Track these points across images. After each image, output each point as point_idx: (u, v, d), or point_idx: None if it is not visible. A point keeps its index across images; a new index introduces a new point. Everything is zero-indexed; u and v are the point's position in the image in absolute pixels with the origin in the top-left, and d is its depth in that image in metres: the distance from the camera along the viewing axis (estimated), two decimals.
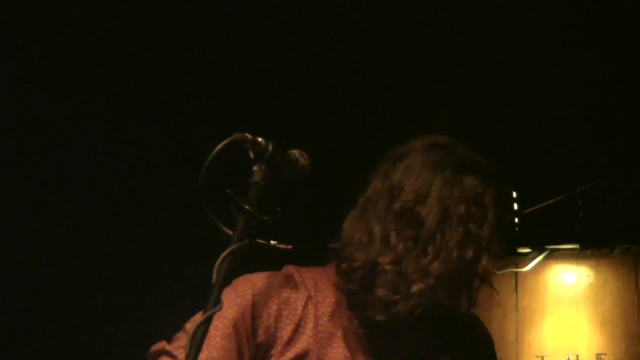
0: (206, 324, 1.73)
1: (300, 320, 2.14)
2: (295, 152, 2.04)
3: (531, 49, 3.92)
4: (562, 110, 4.40)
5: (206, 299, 1.78)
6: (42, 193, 4.12)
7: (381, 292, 2.04)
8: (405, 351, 2.14)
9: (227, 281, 1.83)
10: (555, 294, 5.39)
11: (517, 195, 5.32)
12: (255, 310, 2.12)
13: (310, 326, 2.14)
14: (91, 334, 4.09)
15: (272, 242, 1.96)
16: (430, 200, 2.06)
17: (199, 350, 1.70)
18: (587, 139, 4.66)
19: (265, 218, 1.92)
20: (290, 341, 2.12)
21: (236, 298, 2.14)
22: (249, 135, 1.93)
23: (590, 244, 5.32)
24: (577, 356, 5.26)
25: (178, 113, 4.05)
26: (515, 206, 5.33)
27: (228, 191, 1.89)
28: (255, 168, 1.95)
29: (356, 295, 2.12)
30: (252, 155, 1.95)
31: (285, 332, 2.13)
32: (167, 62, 4.01)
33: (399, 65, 3.90)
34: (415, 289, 2.02)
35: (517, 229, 5.36)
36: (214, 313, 1.73)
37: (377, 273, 2.05)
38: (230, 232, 1.86)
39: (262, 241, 1.94)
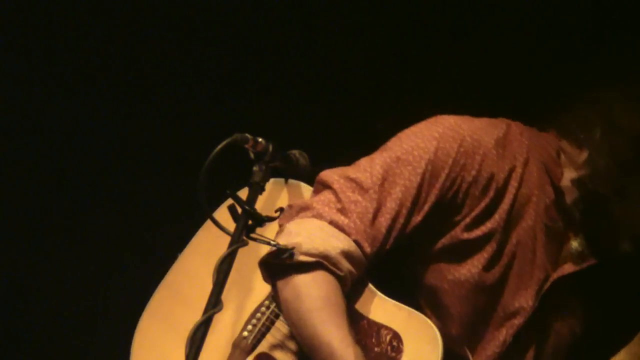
0: (206, 324, 1.73)
1: (498, 194, 2.03)
2: (295, 152, 2.04)
3: (531, 48, 3.91)
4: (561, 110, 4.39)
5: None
6: (42, 193, 4.12)
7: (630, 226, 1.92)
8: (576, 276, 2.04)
9: (227, 281, 1.83)
10: None
11: None
12: (454, 166, 2.01)
13: (505, 206, 2.04)
14: (91, 334, 4.09)
15: (272, 241, 1.96)
16: None
17: (199, 350, 1.70)
18: None
19: (265, 218, 1.92)
20: (482, 216, 2.02)
21: (440, 140, 2.04)
22: (249, 135, 1.93)
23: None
24: None
25: (178, 113, 4.05)
26: None
27: (228, 191, 1.89)
28: (255, 168, 1.96)
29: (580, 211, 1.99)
30: (252, 155, 1.95)
31: (478, 203, 2.02)
32: (167, 62, 4.01)
33: (399, 65, 3.90)
34: None
35: None
36: (214, 313, 1.73)
37: (622, 204, 1.93)
38: (230, 232, 1.86)
39: (262, 241, 1.94)
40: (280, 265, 1.97)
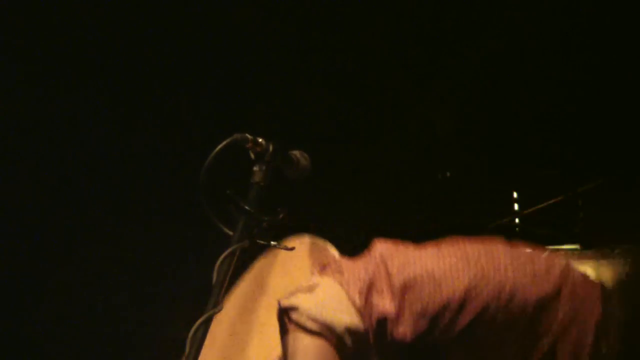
0: (206, 324, 1.72)
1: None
2: (296, 153, 2.03)
3: (531, 48, 3.92)
4: (562, 110, 4.40)
5: (206, 299, 1.78)
6: (42, 193, 4.12)
7: None
8: None
9: (226, 281, 1.83)
10: None
11: (517, 195, 5.31)
12: (483, 311, 2.00)
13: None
14: (91, 334, 4.09)
15: (272, 242, 1.95)
16: None
17: (198, 350, 1.69)
18: (587, 139, 4.65)
19: (265, 218, 1.91)
20: None
21: (472, 281, 2.02)
22: (249, 135, 1.92)
23: (591, 244, 5.30)
24: None
25: (178, 113, 4.05)
26: (516, 206, 5.32)
27: (228, 191, 1.88)
28: (255, 168, 1.95)
29: None
30: (252, 155, 1.94)
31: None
32: (167, 62, 4.01)
33: (399, 65, 3.90)
34: None
35: (517, 229, 5.35)
36: (214, 313, 1.73)
37: None
38: (230, 232, 1.86)
39: (262, 241, 1.93)
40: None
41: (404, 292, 1.98)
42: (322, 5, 3.82)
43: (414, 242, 2.14)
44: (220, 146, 1.87)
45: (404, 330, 1.98)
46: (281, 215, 1.96)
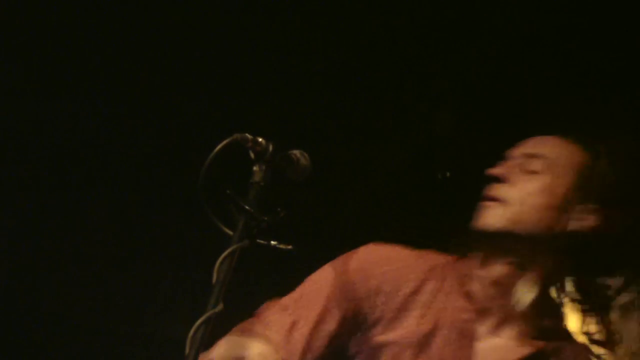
0: (206, 324, 1.72)
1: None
2: (296, 152, 2.03)
3: (531, 48, 3.92)
4: (561, 110, 4.40)
5: (206, 299, 1.78)
6: (42, 193, 4.12)
7: None
8: None
9: (226, 281, 1.83)
10: None
11: None
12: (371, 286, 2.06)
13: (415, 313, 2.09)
14: (91, 334, 4.09)
15: (272, 242, 1.95)
16: None
17: (198, 350, 1.70)
18: (586, 138, 4.65)
19: (265, 218, 1.91)
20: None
21: (357, 261, 2.11)
22: (249, 135, 1.92)
23: None
24: None
25: (178, 113, 4.05)
26: None
27: (228, 191, 1.89)
28: (255, 168, 1.95)
29: None
30: (252, 155, 1.94)
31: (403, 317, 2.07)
32: (166, 62, 4.01)
33: (399, 65, 3.90)
34: None
35: None
36: (214, 314, 1.73)
37: None
38: (230, 232, 1.86)
39: (262, 241, 1.93)
40: None
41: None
42: (322, 5, 3.82)
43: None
44: (220, 146, 1.87)
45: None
46: (281, 215, 1.96)
